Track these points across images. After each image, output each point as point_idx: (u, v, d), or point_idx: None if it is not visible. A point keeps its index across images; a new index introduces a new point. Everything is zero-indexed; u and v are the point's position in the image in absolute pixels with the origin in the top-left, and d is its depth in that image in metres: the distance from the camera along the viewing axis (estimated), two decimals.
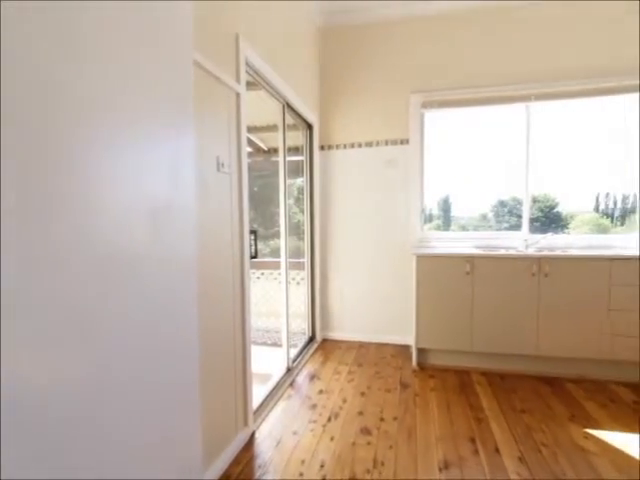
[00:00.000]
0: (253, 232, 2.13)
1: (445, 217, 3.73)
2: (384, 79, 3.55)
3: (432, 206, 3.72)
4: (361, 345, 3.61)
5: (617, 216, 3.38)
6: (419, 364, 3.11)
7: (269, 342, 3.86)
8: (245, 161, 1.99)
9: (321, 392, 2.67)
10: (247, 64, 2.09)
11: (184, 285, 1.11)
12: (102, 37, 0.80)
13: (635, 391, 2.65)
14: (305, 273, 3.58)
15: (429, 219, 3.73)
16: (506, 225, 3.57)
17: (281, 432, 2.18)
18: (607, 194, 3.40)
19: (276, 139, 2.82)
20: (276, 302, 3.99)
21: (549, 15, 3.22)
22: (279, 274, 3.12)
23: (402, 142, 3.53)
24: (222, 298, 1.84)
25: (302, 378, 2.91)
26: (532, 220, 3.49)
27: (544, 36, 3.24)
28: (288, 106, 2.83)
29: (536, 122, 3.37)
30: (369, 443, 2.07)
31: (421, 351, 3.12)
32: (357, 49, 3.58)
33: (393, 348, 3.53)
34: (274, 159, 2.90)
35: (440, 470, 1.85)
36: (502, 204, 3.60)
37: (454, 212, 3.72)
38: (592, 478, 1.77)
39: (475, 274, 2.91)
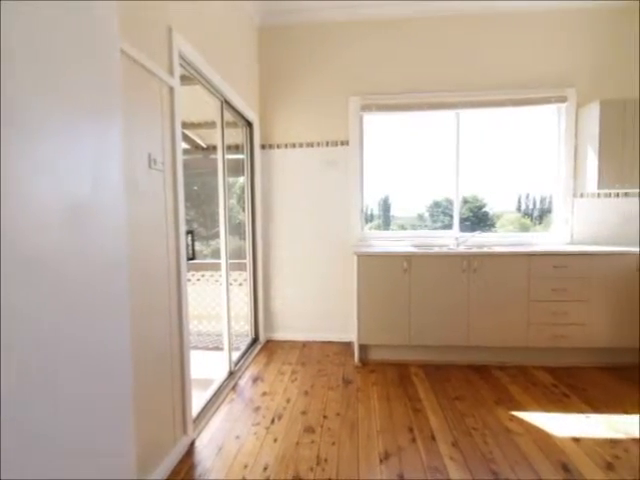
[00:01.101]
0: (190, 232, 2.05)
1: (385, 217, 3.86)
2: (324, 81, 3.59)
3: (373, 206, 3.83)
4: (305, 344, 3.62)
5: (536, 216, 3.71)
6: (361, 360, 3.19)
7: (210, 346, 3.75)
8: (180, 158, 1.91)
9: (265, 394, 2.64)
10: (182, 58, 2.01)
11: (113, 289, 1.03)
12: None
13: (552, 374, 2.92)
14: (247, 274, 3.52)
15: (370, 219, 3.84)
16: (440, 224, 3.78)
17: (223, 438, 2.12)
18: (527, 195, 3.72)
19: (215, 136, 2.74)
20: (217, 304, 3.88)
21: (480, 28, 3.46)
22: (220, 276, 3.04)
23: (342, 143, 3.60)
24: (157, 302, 1.75)
25: (245, 381, 2.86)
26: (463, 219, 3.73)
27: (475, 48, 3.48)
28: (227, 103, 2.76)
29: (465, 128, 3.60)
30: (313, 441, 2.08)
31: (363, 347, 3.20)
32: (297, 49, 3.59)
33: (336, 346, 3.59)
34: (214, 157, 2.81)
35: (381, 461, 1.90)
36: (436, 204, 3.80)
37: (393, 212, 3.86)
38: (516, 456, 1.93)
39: (412, 271, 3.05)
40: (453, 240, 3.55)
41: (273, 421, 2.29)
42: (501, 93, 3.46)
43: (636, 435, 2.10)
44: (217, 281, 3.96)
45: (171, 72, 1.86)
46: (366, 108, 3.55)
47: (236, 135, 3.38)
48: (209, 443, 2.08)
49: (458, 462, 1.89)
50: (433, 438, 2.09)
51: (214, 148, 2.79)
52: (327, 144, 3.61)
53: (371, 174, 3.71)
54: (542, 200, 3.68)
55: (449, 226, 3.72)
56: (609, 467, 1.84)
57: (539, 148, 3.60)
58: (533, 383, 2.77)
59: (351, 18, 3.50)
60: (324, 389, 2.70)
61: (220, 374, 2.78)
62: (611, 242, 3.44)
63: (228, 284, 2.82)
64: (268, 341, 3.73)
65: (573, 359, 3.07)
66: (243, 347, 3.35)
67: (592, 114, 3.24)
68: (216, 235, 2.79)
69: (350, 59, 3.56)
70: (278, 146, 3.65)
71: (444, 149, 3.65)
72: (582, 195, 3.48)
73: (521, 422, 2.25)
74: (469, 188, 3.71)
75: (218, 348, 3.48)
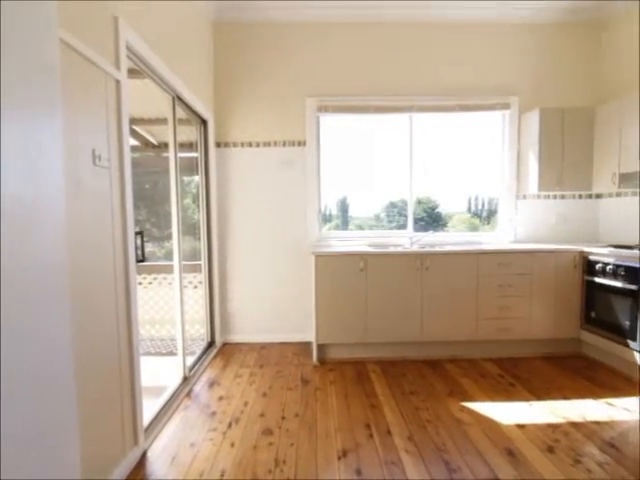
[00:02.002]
0: (140, 233, 1.96)
1: (343, 217, 3.90)
2: (281, 81, 3.57)
3: (332, 206, 3.86)
4: (263, 346, 3.58)
5: (485, 216, 3.91)
6: (319, 359, 3.20)
7: (164, 351, 3.60)
8: (128, 155, 1.82)
9: (221, 398, 2.58)
10: (129, 50, 1.92)
11: (52, 294, 0.96)
12: None
13: (499, 365, 3.09)
14: (202, 276, 3.42)
15: (329, 219, 3.87)
16: (396, 224, 3.88)
17: (177, 446, 2.05)
18: (476, 197, 3.91)
19: (168, 133, 2.64)
20: (171, 308, 3.74)
21: (433, 36, 3.59)
22: (174, 278, 2.93)
23: (299, 143, 3.60)
24: (103, 307, 1.66)
25: (200, 386, 2.78)
26: (417, 220, 3.85)
27: (428, 54, 3.61)
28: (179, 99, 2.67)
29: (418, 131, 3.72)
30: (271, 443, 2.06)
31: (321, 347, 3.22)
32: (253, 48, 3.54)
33: (295, 346, 3.58)
34: (167, 155, 2.71)
35: (339, 459, 1.92)
36: (392, 205, 3.90)
37: (352, 212, 3.91)
38: (466, 445, 2.02)
39: (368, 271, 3.10)
40: (407, 240, 3.66)
41: (230, 425, 2.24)
42: (451, 98, 3.61)
43: (574, 419, 2.26)
44: (170, 284, 3.81)
45: (117, 65, 1.77)
46: (322, 109, 3.58)
47: (190, 133, 3.28)
48: (162, 452, 2.00)
49: (413, 455, 1.94)
50: (389, 433, 2.14)
51: (166, 145, 2.68)
52: (284, 144, 3.59)
53: (329, 175, 3.74)
54: (490, 201, 3.88)
55: (404, 226, 3.83)
56: (550, 450, 1.97)
57: (486, 152, 3.80)
58: (482, 375, 2.91)
59: (308, 19, 3.51)
60: (283, 390, 2.69)
61: (174, 380, 2.68)
62: (551, 240, 3.70)
63: (182, 287, 2.72)
64: (225, 344, 3.65)
65: (518, 350, 3.26)
66: (199, 351, 3.25)
67: (533, 121, 3.46)
68: (170, 236, 2.69)
69: (307, 60, 3.57)
70: (234, 145, 3.59)
71: (399, 151, 3.75)
72: (525, 197, 3.72)
73: (471, 412, 2.35)
74: (423, 189, 3.84)
75: (172, 353, 3.36)
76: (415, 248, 3.39)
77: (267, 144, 3.59)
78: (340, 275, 3.10)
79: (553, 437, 2.08)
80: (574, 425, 2.20)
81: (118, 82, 1.77)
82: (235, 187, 3.61)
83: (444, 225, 3.95)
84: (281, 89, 3.58)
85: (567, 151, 3.41)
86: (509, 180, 3.71)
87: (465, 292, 3.14)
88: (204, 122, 3.33)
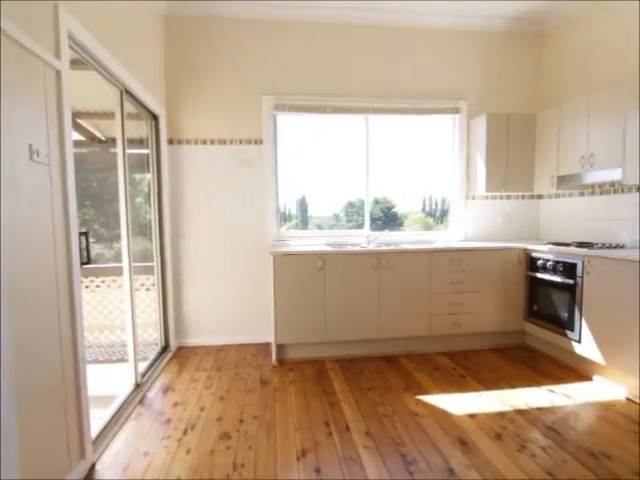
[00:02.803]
0: (84, 234, 1.85)
1: (303, 217, 3.90)
2: (237, 77, 3.51)
3: (291, 206, 3.84)
4: (220, 349, 3.50)
5: (438, 216, 4.06)
6: (279, 360, 3.18)
7: (114, 358, 3.42)
8: (70, 150, 1.71)
9: (176, 404, 2.49)
10: (72, 40, 1.80)
11: None
12: None
13: (451, 358, 3.22)
14: (155, 278, 3.29)
15: (288, 218, 3.85)
16: (354, 224, 3.93)
17: (129, 456, 1.95)
18: (430, 197, 4.05)
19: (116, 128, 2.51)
20: (122, 312, 3.56)
21: (389, 40, 3.67)
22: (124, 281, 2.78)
23: (256, 142, 3.56)
24: (43, 313, 1.54)
25: (154, 393, 2.67)
26: (375, 219, 3.93)
27: (383, 57, 3.68)
28: (127, 93, 2.54)
29: (375, 132, 3.80)
30: (229, 448, 2.02)
31: (280, 347, 3.20)
32: (208, 42, 3.45)
33: (254, 347, 3.53)
34: (115, 150, 2.57)
35: (298, 459, 1.92)
36: (351, 205, 3.95)
37: (311, 212, 3.92)
38: (421, 437, 2.09)
39: (327, 270, 3.12)
40: (364, 239, 3.72)
41: (186, 432, 2.17)
42: (405, 101, 3.72)
43: (520, 407, 2.41)
44: (121, 287, 3.63)
45: (58, 54, 1.65)
46: (279, 108, 3.55)
47: (140, 128, 3.14)
48: (112, 464, 1.90)
49: (371, 449, 1.98)
50: (348, 429, 2.17)
51: (115, 141, 2.55)
52: (240, 142, 3.53)
53: (287, 174, 3.72)
54: (443, 201, 4.04)
55: (362, 225, 3.89)
56: (498, 437, 2.08)
57: (439, 154, 3.95)
58: (435, 368, 3.02)
59: (266, 17, 3.47)
60: (241, 393, 2.64)
61: (125, 388, 2.55)
62: (497, 238, 3.91)
63: (132, 289, 2.60)
64: (180, 348, 3.53)
65: (469, 344, 3.42)
66: (152, 357, 3.13)
67: (480, 125, 3.64)
68: (120, 236, 2.56)
69: (264, 58, 3.53)
70: (187, 142, 3.47)
71: (356, 152, 3.80)
72: (474, 197, 3.90)
73: (425, 405, 2.44)
74: (379, 189, 3.93)
75: (123, 360, 3.20)
76: (372, 247, 3.45)
77: (222, 142, 3.51)
78: (299, 275, 3.09)
79: (501, 425, 2.20)
80: (519, 412, 2.34)
81: (59, 72, 1.65)
82: (189, 185, 3.50)
83: (400, 224, 4.05)
84: (237, 86, 3.51)
85: (511, 154, 3.62)
86: (459, 181, 3.88)
87: (419, 289, 3.25)
88: (155, 117, 3.20)
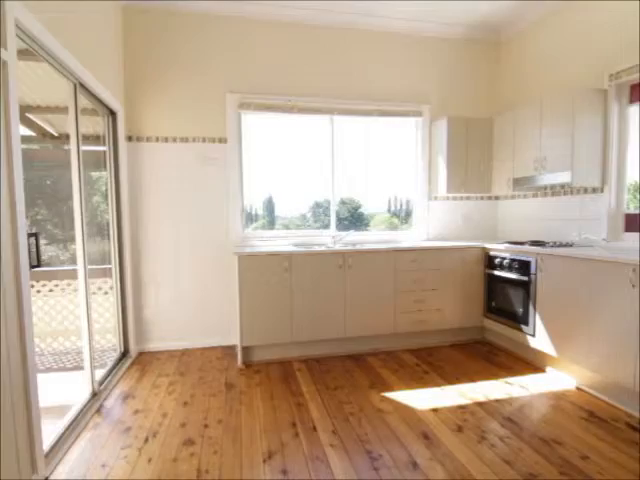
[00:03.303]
0: (34, 235, 1.74)
1: (270, 217, 3.86)
2: (201, 74, 3.42)
3: (257, 206, 3.80)
4: (184, 353, 3.41)
5: (403, 216, 4.14)
6: (245, 362, 3.14)
7: (69, 366, 3.25)
8: (18, 146, 1.60)
9: (137, 412, 2.39)
10: (20, 29, 1.69)
11: None
12: None
13: (415, 355, 3.30)
14: (113, 281, 3.15)
15: (255, 218, 3.81)
16: (321, 224, 3.94)
17: (85, 469, 1.86)
18: (395, 198, 4.14)
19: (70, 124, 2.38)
20: (77, 317, 3.38)
21: (355, 43, 3.71)
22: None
23: (220, 140, 3.49)
24: None
25: (113, 401, 2.55)
26: (342, 219, 3.96)
27: (349, 59, 3.72)
28: (82, 86, 2.42)
29: (340, 133, 3.83)
30: (193, 454, 1.96)
31: (246, 349, 3.15)
32: (171, 37, 3.34)
33: (220, 350, 3.46)
34: (69, 147, 2.44)
35: (264, 461, 1.90)
36: (318, 205, 3.96)
37: (278, 212, 3.89)
38: (386, 433, 2.12)
39: (293, 270, 3.11)
40: (330, 239, 3.74)
41: (147, 440, 2.09)
42: (370, 103, 3.78)
43: (480, 399, 2.50)
44: (76, 290, 3.45)
45: (4, 44, 1.55)
46: (244, 106, 3.51)
47: (97, 124, 3.00)
48: (67, 478, 1.80)
49: (337, 448, 1.99)
50: (315, 429, 2.17)
51: (69, 137, 2.42)
52: (204, 140, 3.45)
53: (254, 173, 3.67)
54: (408, 202, 4.13)
55: (328, 226, 3.91)
56: (459, 430, 2.15)
57: (403, 155, 4.03)
58: (400, 365, 3.09)
59: (231, 14, 3.41)
60: (205, 397, 2.58)
61: (81, 397, 2.43)
62: (458, 238, 4.05)
63: (88, 293, 2.48)
64: (141, 353, 3.40)
65: (432, 340, 3.52)
66: (110, 363, 2.99)
67: (442, 128, 3.76)
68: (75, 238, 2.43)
69: (229, 55, 3.47)
70: (148, 139, 3.36)
71: (322, 152, 3.82)
72: (436, 198, 4.02)
73: (391, 401, 2.48)
74: (346, 190, 3.96)
75: (79, 367, 3.04)
76: (338, 247, 3.48)
77: (185, 140, 3.42)
78: (264, 275, 3.06)
79: (462, 417, 2.28)
80: (479, 404, 2.43)
81: (5, 63, 1.55)
82: (150, 184, 3.38)
83: (367, 225, 4.11)
84: (201, 83, 3.43)
85: (470, 157, 3.76)
86: (422, 182, 3.99)
87: (384, 288, 3.31)
88: (113, 113, 3.07)
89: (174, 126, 3.40)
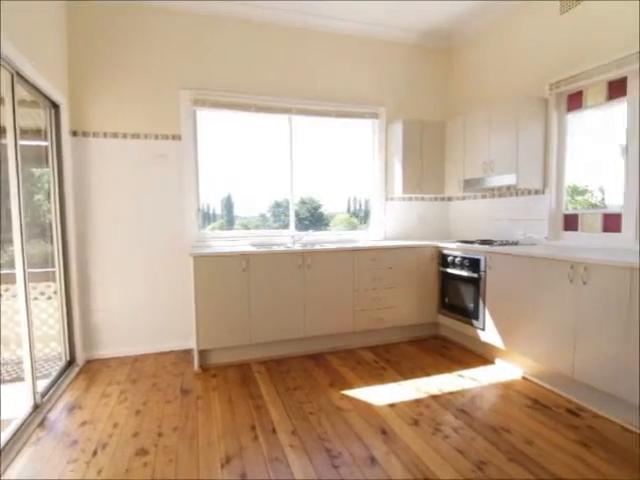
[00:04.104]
0: None
1: (228, 216, 3.79)
2: (153, 69, 3.29)
3: (215, 205, 3.71)
4: (137, 359, 3.26)
5: (362, 216, 4.21)
6: (201, 366, 3.05)
7: (7, 378, 3.00)
8: None
9: (84, 423, 2.26)
10: None
11: None
12: None
13: (374, 352, 3.37)
14: (58, 285, 2.95)
15: (213, 218, 3.71)
16: (281, 224, 3.92)
17: None
18: (355, 198, 4.20)
19: (6, 116, 2.20)
20: (17, 325, 3.14)
21: (314, 43, 3.72)
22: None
23: (174, 137, 3.37)
24: None
25: (57, 413, 2.39)
26: (302, 219, 3.96)
27: (308, 59, 3.73)
28: (20, 76, 2.25)
29: (298, 133, 3.82)
30: (146, 464, 1.88)
31: (203, 352, 3.07)
32: (122, 31, 3.18)
33: (175, 355, 3.35)
34: (4, 142, 2.25)
35: (222, 466, 1.85)
36: (278, 205, 3.93)
37: (237, 212, 3.82)
38: (345, 430, 2.14)
39: (251, 270, 3.07)
40: (290, 239, 3.73)
41: (95, 453, 1.98)
42: (327, 104, 3.81)
43: (434, 393, 2.59)
44: (15, 296, 3.20)
45: None
46: (199, 103, 3.41)
47: (38, 117, 2.80)
48: None
49: (297, 448, 1.99)
50: (274, 431, 2.15)
51: (5, 131, 2.24)
52: (157, 137, 3.32)
53: (211, 172, 3.59)
54: (366, 202, 4.20)
55: (288, 225, 3.89)
56: (415, 423, 2.22)
57: (361, 156, 4.10)
58: (359, 362, 3.14)
59: (187, 8, 3.31)
60: (160, 404, 2.48)
61: (21, 410, 2.25)
62: (413, 237, 4.18)
63: (28, 298, 2.31)
64: (89, 361, 3.21)
65: (389, 337, 3.60)
66: (55, 373, 2.80)
67: (397, 131, 3.86)
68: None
69: (186, 51, 3.36)
70: (95, 134, 3.18)
71: (281, 151, 3.80)
72: (392, 198, 4.12)
73: (350, 399, 2.51)
74: (305, 190, 3.97)
75: (19, 379, 2.82)
76: (297, 247, 3.47)
77: (136, 136, 3.27)
78: (221, 276, 3.00)
79: (418, 411, 2.35)
80: (434, 398, 2.52)
81: None
82: (98, 182, 3.20)
83: (327, 224, 4.14)
84: (153, 78, 3.29)
85: (425, 159, 3.90)
86: (379, 183, 4.08)
87: (343, 287, 3.35)
88: (55, 106, 2.87)
89: (124, 122, 3.24)
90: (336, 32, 3.78)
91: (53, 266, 2.95)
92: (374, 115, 3.98)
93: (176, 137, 3.38)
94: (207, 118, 3.54)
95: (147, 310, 3.36)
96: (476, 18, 3.70)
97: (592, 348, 2.28)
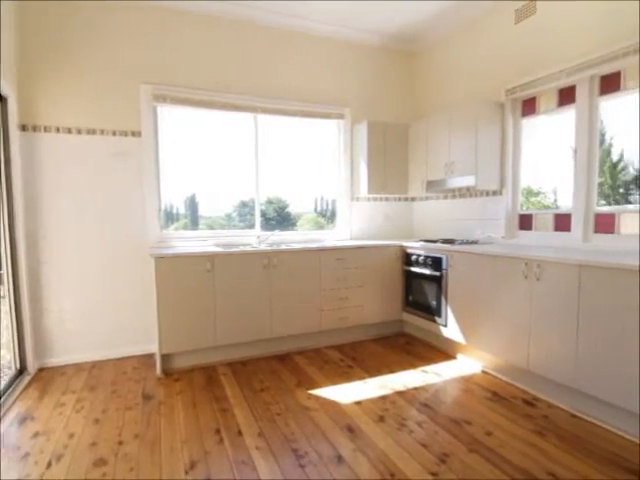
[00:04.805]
0: None
1: (193, 216, 3.69)
2: (112, 61, 3.14)
3: (179, 205, 3.61)
4: (95, 365, 3.11)
5: (329, 216, 4.23)
6: (164, 370, 2.96)
7: None
8: None
9: (37, 435, 2.13)
10: None
11: None
12: None
13: (340, 350, 3.40)
14: (5, 288, 2.77)
15: (176, 218, 3.61)
16: (248, 224, 3.86)
17: None
18: (322, 198, 4.21)
19: None
20: None
21: (281, 42, 3.71)
22: None
23: (134, 134, 3.24)
24: None
25: (7, 425, 2.24)
26: (269, 219, 3.93)
27: (274, 58, 3.70)
28: None
29: (264, 132, 3.79)
30: (105, 474, 1.80)
31: (166, 356, 2.97)
32: (78, 22, 3.01)
33: (136, 360, 3.23)
34: None
35: (186, 472, 1.81)
36: (244, 204, 3.87)
37: (202, 211, 3.73)
38: (312, 430, 2.15)
39: (216, 271, 3.01)
40: (255, 239, 3.69)
41: (50, 465, 1.87)
42: (293, 104, 3.80)
43: (399, 389, 2.65)
44: None
45: None
46: (160, 99, 3.31)
47: None
48: None
49: (263, 450, 1.97)
50: (240, 433, 2.12)
51: None
52: (114, 133, 3.18)
53: (174, 170, 3.48)
54: (333, 202, 4.22)
55: (254, 225, 3.85)
56: (381, 419, 2.25)
57: (327, 156, 4.12)
58: (326, 361, 3.15)
59: (148, 3, 3.19)
60: (120, 412, 2.38)
61: None
62: (378, 237, 4.25)
63: None
64: (42, 369, 3.03)
65: (355, 335, 3.64)
66: (3, 383, 2.63)
67: (362, 132, 3.91)
68: None
69: (147, 44, 3.24)
70: (47, 129, 3.00)
71: (246, 150, 3.75)
72: (358, 198, 4.17)
73: (317, 398, 2.52)
74: (272, 189, 3.94)
75: None
76: (263, 247, 3.44)
77: (92, 132, 3.12)
78: (185, 278, 2.92)
79: (383, 407, 2.39)
80: (399, 394, 2.57)
81: None
82: (52, 180, 3.02)
83: (294, 224, 4.13)
84: (111, 70, 3.15)
85: (389, 160, 3.97)
86: (345, 183, 4.11)
87: (310, 287, 3.35)
88: (2, 99, 2.69)
89: (79, 117, 3.08)
90: (303, 32, 3.78)
91: (0, 269, 2.76)
92: (340, 116, 4.02)
93: (136, 134, 3.25)
94: (170, 115, 3.43)
95: (106, 314, 3.22)
96: (438, 24, 3.81)
97: (545, 341, 2.40)
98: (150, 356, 3.26)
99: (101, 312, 3.21)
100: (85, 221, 3.13)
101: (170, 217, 3.58)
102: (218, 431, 2.15)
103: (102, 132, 3.15)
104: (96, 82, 3.12)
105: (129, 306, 3.28)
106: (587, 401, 2.23)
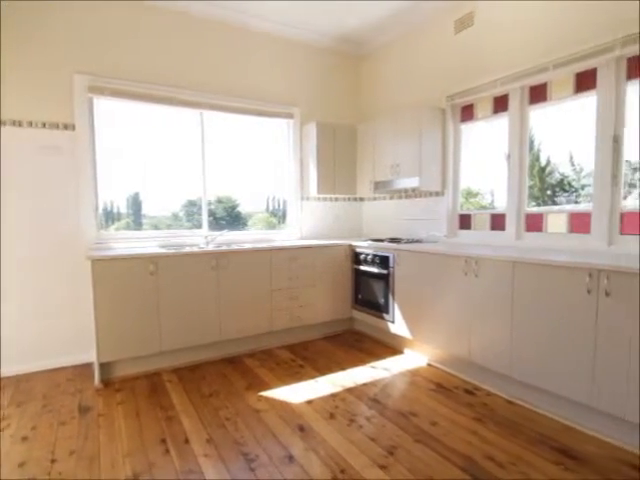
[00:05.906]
0: None
1: (136, 216, 3.49)
2: (39, 47, 2.89)
3: (120, 203, 3.40)
4: (22, 379, 2.85)
5: (280, 215, 4.20)
6: (104, 380, 2.77)
7: None
8: None
9: None
10: None
11: None
12: None
13: (291, 350, 3.39)
14: None
15: (117, 217, 3.39)
16: (196, 223, 3.72)
17: None
18: (273, 197, 4.16)
19: None
20: None
21: (229, 38, 3.61)
22: None
23: (66, 127, 3.01)
24: None
25: None
26: (218, 219, 3.82)
27: (221, 54, 3.61)
28: None
29: (212, 129, 3.68)
30: None
31: (105, 365, 2.79)
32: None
33: (71, 371, 3.00)
34: None
35: None
36: (192, 203, 3.73)
37: (146, 210, 3.54)
38: (263, 432, 2.12)
39: (160, 274, 2.88)
40: (203, 239, 3.58)
41: None
42: (241, 101, 3.73)
43: (349, 385, 2.69)
44: None
45: None
46: (97, 91, 3.10)
47: None
48: None
49: (212, 457, 1.91)
50: (187, 441, 2.04)
51: None
52: (44, 125, 2.93)
53: (114, 167, 3.28)
54: (285, 201, 4.20)
55: (202, 225, 3.72)
56: (331, 417, 2.27)
57: (277, 156, 4.09)
58: (277, 362, 3.13)
59: None
60: (52, 427, 2.20)
61: None
62: (328, 236, 4.29)
63: None
64: None
65: (306, 335, 3.65)
66: None
67: (311, 132, 3.93)
68: None
69: (82, 31, 3.02)
70: None
71: (193, 148, 3.62)
72: (308, 198, 4.19)
73: (268, 400, 2.49)
74: (221, 188, 3.83)
75: None
76: (211, 248, 3.34)
77: (18, 123, 2.85)
78: (125, 281, 2.76)
79: (334, 405, 2.42)
80: (349, 390, 2.62)
81: None
82: None
83: (245, 224, 4.05)
84: (39, 55, 2.89)
85: (338, 161, 4.03)
86: (295, 183, 4.11)
87: (260, 287, 3.31)
88: None
89: (3, 106, 2.80)
90: (252, 29, 3.72)
91: None
92: (289, 115, 4.00)
93: (69, 127, 3.02)
94: (110, 108, 3.23)
95: (36, 321, 2.96)
96: (384, 30, 3.92)
97: (484, 334, 2.56)
98: (87, 366, 3.04)
99: (30, 320, 2.94)
100: (9, 220, 2.85)
101: (110, 216, 3.37)
102: (164, 441, 2.06)
103: (30, 124, 2.88)
104: (22, 68, 2.84)
105: (62, 313, 3.04)
106: (521, 388, 2.41)
